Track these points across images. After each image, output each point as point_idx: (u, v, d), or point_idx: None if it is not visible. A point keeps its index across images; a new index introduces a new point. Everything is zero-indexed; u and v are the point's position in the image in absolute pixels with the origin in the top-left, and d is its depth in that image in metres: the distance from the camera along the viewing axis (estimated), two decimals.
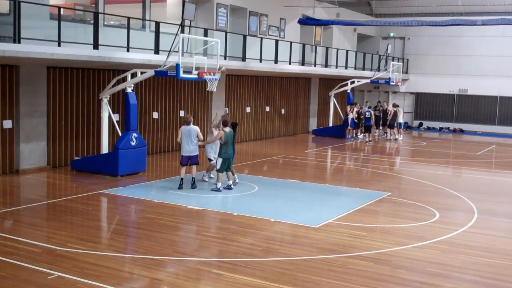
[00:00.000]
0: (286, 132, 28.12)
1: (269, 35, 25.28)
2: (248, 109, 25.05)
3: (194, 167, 14.02)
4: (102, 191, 13.51)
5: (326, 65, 28.15)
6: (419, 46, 35.18)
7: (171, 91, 20.46)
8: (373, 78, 28.69)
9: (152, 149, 19.59)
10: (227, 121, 14.17)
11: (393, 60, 30.78)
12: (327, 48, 28.73)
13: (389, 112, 27.06)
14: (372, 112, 27.09)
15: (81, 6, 17.82)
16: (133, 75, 15.70)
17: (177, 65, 14.22)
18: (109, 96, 15.99)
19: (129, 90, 15.50)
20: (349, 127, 26.78)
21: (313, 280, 8.06)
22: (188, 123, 13.91)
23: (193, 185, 13.99)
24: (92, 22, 15.34)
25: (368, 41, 36.52)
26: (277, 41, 23.51)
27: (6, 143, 15.08)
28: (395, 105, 27.75)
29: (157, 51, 16.81)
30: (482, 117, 33.64)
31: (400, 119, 27.64)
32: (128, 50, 15.82)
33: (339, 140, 26.83)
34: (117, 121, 16.66)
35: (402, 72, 32.38)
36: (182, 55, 14.34)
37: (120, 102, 17.57)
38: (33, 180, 14.72)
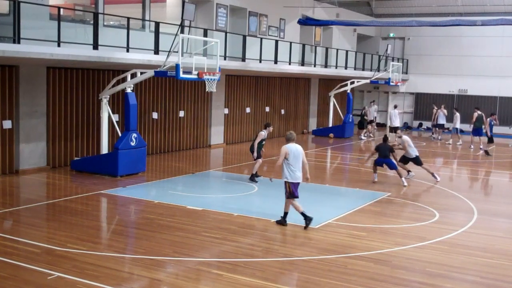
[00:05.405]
0: (285, 132, 28.06)
1: (269, 35, 25.28)
2: (248, 109, 25.05)
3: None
4: (101, 192, 13.50)
5: (326, 66, 28.15)
6: (419, 46, 35.17)
7: (171, 91, 20.47)
8: (373, 78, 28.71)
9: (151, 149, 19.59)
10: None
11: (392, 61, 30.78)
12: (327, 49, 28.74)
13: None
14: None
15: (80, 6, 17.82)
16: (133, 76, 15.70)
17: (177, 66, 14.21)
18: (108, 96, 15.99)
19: (128, 90, 15.50)
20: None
21: (312, 280, 8.06)
22: (293, 140, 10.97)
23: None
24: (91, 22, 15.34)
25: (368, 41, 36.52)
26: (276, 41, 23.51)
27: (6, 143, 15.08)
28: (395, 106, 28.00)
29: (156, 51, 16.81)
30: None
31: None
32: (127, 51, 15.82)
33: (338, 140, 26.87)
34: (116, 122, 16.65)
35: (402, 73, 32.38)
36: (182, 56, 14.34)
37: (120, 102, 17.56)
38: (33, 180, 14.71)
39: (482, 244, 10.23)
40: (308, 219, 10.69)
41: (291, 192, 10.66)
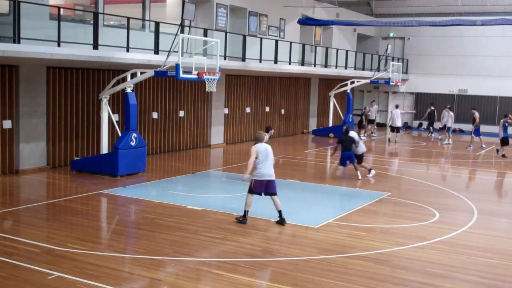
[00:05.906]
0: (285, 132, 28.12)
1: (268, 35, 25.28)
2: (248, 109, 25.05)
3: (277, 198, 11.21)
4: (101, 191, 13.50)
5: (326, 65, 28.14)
6: (419, 46, 35.16)
7: (171, 91, 20.46)
8: (373, 78, 28.69)
9: (151, 149, 19.59)
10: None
11: (392, 60, 30.77)
12: (327, 48, 28.73)
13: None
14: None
15: (80, 6, 17.81)
16: (133, 75, 15.70)
17: (177, 65, 14.21)
18: (108, 96, 15.99)
19: (128, 90, 15.50)
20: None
21: (313, 280, 8.06)
22: (261, 140, 11.23)
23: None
24: (91, 22, 15.34)
25: (368, 41, 36.51)
26: (276, 41, 23.51)
27: (6, 143, 15.08)
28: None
29: (156, 51, 16.81)
30: (482, 117, 33.54)
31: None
32: (127, 50, 15.82)
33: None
34: (116, 121, 16.66)
35: (402, 72, 32.37)
36: (182, 55, 14.34)
37: (120, 102, 17.56)
38: (33, 180, 14.71)
39: (482, 244, 10.23)
40: (244, 218, 11.02)
41: (252, 188, 11.05)
